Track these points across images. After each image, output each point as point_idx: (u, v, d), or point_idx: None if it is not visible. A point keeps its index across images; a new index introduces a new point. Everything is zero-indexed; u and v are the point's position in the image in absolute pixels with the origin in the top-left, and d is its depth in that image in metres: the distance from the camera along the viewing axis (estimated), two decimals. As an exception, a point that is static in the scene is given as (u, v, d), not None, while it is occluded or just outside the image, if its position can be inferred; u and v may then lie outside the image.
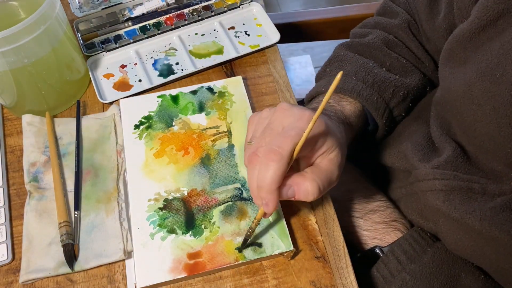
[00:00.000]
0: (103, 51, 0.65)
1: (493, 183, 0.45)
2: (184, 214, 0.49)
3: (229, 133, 0.55)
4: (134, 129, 0.56)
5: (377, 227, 0.56)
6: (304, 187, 0.41)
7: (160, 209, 0.50)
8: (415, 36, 0.60)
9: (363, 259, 0.55)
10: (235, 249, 0.47)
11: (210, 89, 0.59)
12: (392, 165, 0.57)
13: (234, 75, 0.63)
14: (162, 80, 0.62)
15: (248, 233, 0.46)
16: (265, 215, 0.44)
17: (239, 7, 0.70)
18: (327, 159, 0.43)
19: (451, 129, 0.50)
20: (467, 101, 0.44)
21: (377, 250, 0.53)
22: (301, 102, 0.87)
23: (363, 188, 0.60)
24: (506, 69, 0.40)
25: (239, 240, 0.47)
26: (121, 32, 0.67)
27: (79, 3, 0.64)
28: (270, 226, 0.48)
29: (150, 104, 0.58)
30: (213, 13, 0.69)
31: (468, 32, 0.44)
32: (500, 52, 0.41)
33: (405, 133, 0.58)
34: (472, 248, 0.47)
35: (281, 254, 0.47)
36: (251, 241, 0.47)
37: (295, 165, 0.44)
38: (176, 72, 0.63)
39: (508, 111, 0.40)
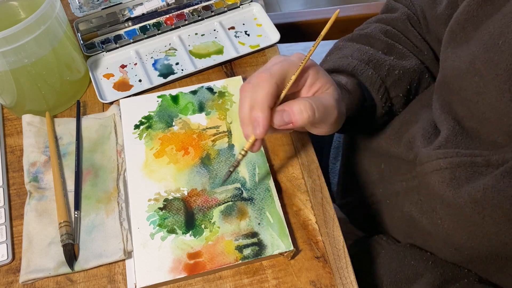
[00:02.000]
0: (103, 51, 0.65)
1: (495, 154, 0.45)
2: (184, 214, 0.49)
3: (229, 133, 0.55)
4: (134, 129, 0.56)
5: None
6: (297, 106, 0.42)
7: (160, 209, 0.50)
8: (414, 27, 0.61)
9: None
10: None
11: (210, 89, 0.59)
12: (399, 154, 0.56)
13: (234, 75, 0.63)
14: (162, 80, 0.62)
15: (234, 164, 0.47)
16: (253, 147, 0.45)
17: (239, 7, 0.70)
18: (323, 93, 0.45)
19: (451, 109, 0.50)
20: (470, 75, 0.45)
21: None
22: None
23: None
24: (508, 36, 0.41)
25: (240, 240, 0.47)
26: (121, 32, 0.67)
27: (79, 3, 0.64)
28: (270, 226, 0.48)
29: (150, 104, 0.58)
30: (213, 13, 0.69)
31: (467, 11, 0.46)
32: (502, 22, 0.42)
33: (413, 121, 0.58)
34: (470, 229, 0.46)
35: (281, 254, 0.47)
36: (252, 241, 0.47)
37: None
38: (176, 72, 0.63)
39: (510, 77, 0.41)
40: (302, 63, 0.43)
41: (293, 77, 0.43)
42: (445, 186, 0.47)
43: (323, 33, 0.41)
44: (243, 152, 0.46)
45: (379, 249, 0.58)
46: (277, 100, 0.44)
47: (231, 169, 0.47)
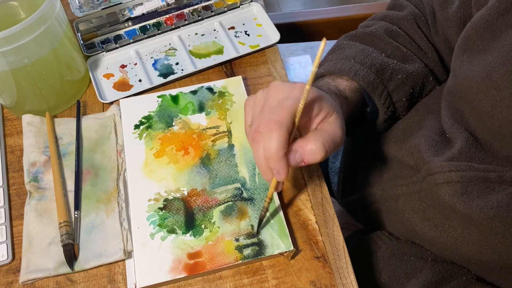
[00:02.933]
0: (103, 51, 0.65)
1: (509, 170, 0.44)
2: (184, 214, 0.49)
3: (229, 133, 0.55)
4: (134, 129, 0.56)
5: None
6: (309, 147, 0.42)
7: (160, 209, 0.50)
8: (420, 28, 0.60)
9: None
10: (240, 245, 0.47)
11: (210, 89, 0.59)
12: (401, 159, 0.56)
13: (234, 75, 0.63)
14: (162, 80, 0.62)
15: (262, 213, 0.47)
16: (277, 188, 0.46)
17: (239, 7, 0.70)
18: (328, 123, 0.44)
19: (463, 118, 0.50)
20: (486, 87, 0.44)
21: None
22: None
23: None
24: None
25: (240, 240, 0.47)
26: (121, 32, 0.67)
27: (79, 3, 0.64)
28: (270, 226, 0.48)
29: (150, 104, 0.58)
30: (213, 13, 0.69)
31: (486, 19, 0.44)
32: None
33: (417, 127, 0.57)
34: (480, 243, 0.46)
35: (281, 254, 0.47)
36: (252, 241, 0.47)
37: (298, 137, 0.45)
38: (176, 72, 0.63)
39: None
40: (301, 104, 0.41)
41: (297, 120, 0.42)
42: (456, 199, 0.46)
43: (314, 68, 0.40)
44: (268, 200, 0.47)
45: (379, 244, 0.58)
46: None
47: (261, 218, 0.48)
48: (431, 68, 0.60)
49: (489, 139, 0.47)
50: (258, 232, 0.48)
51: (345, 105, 0.52)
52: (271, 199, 0.47)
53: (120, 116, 0.57)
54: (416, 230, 0.54)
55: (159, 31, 0.67)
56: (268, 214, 0.49)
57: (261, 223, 0.48)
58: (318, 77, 0.58)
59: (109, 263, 0.48)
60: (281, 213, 0.49)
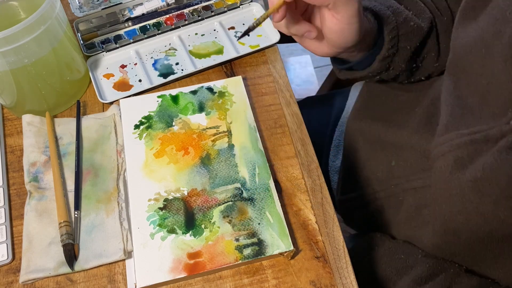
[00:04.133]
0: (103, 51, 0.65)
1: (493, 127, 0.44)
2: (184, 214, 0.49)
3: (229, 133, 0.55)
4: (134, 129, 0.56)
5: None
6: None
7: (160, 209, 0.50)
8: None
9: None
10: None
11: (210, 89, 0.59)
12: (423, 146, 0.56)
13: (234, 75, 0.63)
14: (162, 80, 0.62)
15: (254, 24, 0.50)
16: (276, 14, 0.48)
17: (239, 7, 0.70)
18: None
19: (456, 86, 0.51)
20: (477, 48, 0.46)
21: None
22: (301, 102, 0.87)
23: None
24: None
25: (240, 240, 0.47)
26: (121, 32, 0.67)
27: (79, 3, 0.64)
28: (270, 226, 0.48)
29: (150, 104, 0.58)
30: (213, 13, 0.69)
31: None
32: None
33: (435, 113, 0.57)
34: (468, 211, 0.46)
35: (281, 254, 0.47)
36: (252, 241, 0.47)
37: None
38: (176, 72, 0.63)
39: None
40: None
41: None
42: (450, 169, 0.46)
43: None
44: (265, 15, 0.50)
45: (373, 245, 0.58)
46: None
47: (250, 28, 0.50)
48: (439, 31, 0.61)
49: (477, 101, 0.47)
50: (239, 39, 0.52)
51: (367, 22, 0.54)
52: (266, 17, 0.50)
53: (120, 116, 0.57)
54: (422, 216, 0.54)
55: (159, 31, 0.67)
56: (267, 213, 0.49)
57: (248, 32, 0.51)
58: None
59: (109, 263, 0.48)
60: (281, 213, 0.49)
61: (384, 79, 0.63)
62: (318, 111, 0.84)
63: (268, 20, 0.68)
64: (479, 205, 0.44)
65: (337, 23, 0.49)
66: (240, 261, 0.46)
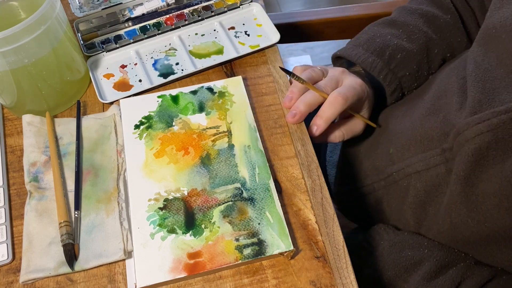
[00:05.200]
0: (103, 51, 0.65)
1: None
2: (184, 214, 0.49)
3: (229, 133, 0.55)
4: (134, 129, 0.56)
5: None
6: (336, 133, 0.63)
7: (160, 209, 0.50)
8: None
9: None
10: None
11: (210, 89, 0.59)
12: (425, 132, 0.55)
13: (234, 75, 0.63)
14: (162, 80, 0.62)
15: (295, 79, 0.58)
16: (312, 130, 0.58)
17: (239, 7, 0.70)
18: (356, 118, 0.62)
19: (485, 57, 0.50)
20: None
21: None
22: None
23: None
24: None
25: (240, 240, 0.47)
26: (121, 32, 0.67)
27: (79, 3, 0.64)
28: (270, 226, 0.48)
29: (150, 104, 0.58)
30: (213, 13, 0.69)
31: None
32: None
33: (446, 95, 0.57)
34: (503, 195, 0.45)
35: (281, 254, 0.47)
36: (252, 241, 0.47)
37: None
38: (176, 72, 0.63)
39: None
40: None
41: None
42: (492, 145, 0.45)
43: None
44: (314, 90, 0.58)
45: (378, 240, 0.58)
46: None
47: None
48: (445, 32, 0.64)
49: (506, 72, 0.46)
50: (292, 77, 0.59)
51: (366, 90, 0.61)
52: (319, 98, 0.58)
53: (120, 116, 0.57)
54: (424, 209, 0.54)
55: (159, 31, 0.67)
56: (267, 213, 0.49)
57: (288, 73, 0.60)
58: (334, 58, 0.69)
59: (109, 263, 0.48)
60: (281, 213, 0.49)
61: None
62: (316, 110, 0.85)
63: (268, 20, 0.68)
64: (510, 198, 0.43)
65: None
66: (240, 261, 0.46)
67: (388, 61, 0.62)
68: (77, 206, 0.50)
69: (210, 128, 0.56)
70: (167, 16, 0.69)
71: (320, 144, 0.81)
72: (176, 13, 0.69)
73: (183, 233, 0.48)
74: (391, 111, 0.65)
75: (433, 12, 0.64)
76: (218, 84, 0.60)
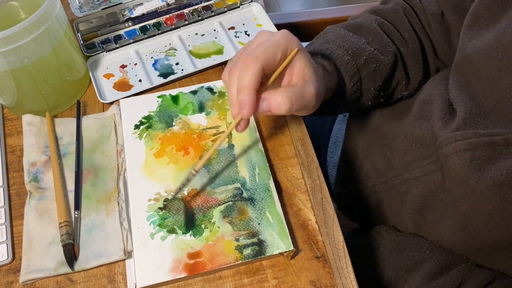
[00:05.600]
0: (103, 51, 0.65)
1: None
2: (184, 214, 0.49)
3: (229, 133, 0.55)
4: (134, 129, 0.56)
5: None
6: (274, 98, 0.46)
7: (160, 209, 0.50)
8: (408, 18, 0.61)
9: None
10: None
11: (210, 89, 0.59)
12: (421, 138, 0.56)
13: (234, 75, 0.63)
14: (162, 80, 0.62)
15: (192, 172, 0.49)
16: (238, 126, 0.48)
17: (239, 7, 0.70)
18: (302, 79, 0.48)
19: (470, 88, 0.50)
20: (493, 52, 0.46)
21: None
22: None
23: None
24: None
25: (240, 240, 0.47)
26: (121, 32, 0.67)
27: (79, 3, 0.64)
28: (270, 226, 0.48)
29: (150, 104, 0.58)
30: (213, 13, 0.69)
31: None
32: None
33: (430, 101, 0.58)
34: (489, 213, 0.46)
35: (281, 254, 0.47)
36: (252, 241, 0.47)
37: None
38: (176, 72, 0.63)
39: None
40: (284, 62, 0.47)
41: (277, 72, 0.47)
42: (466, 168, 0.46)
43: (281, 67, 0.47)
44: (194, 171, 0.49)
45: (379, 240, 0.58)
46: (265, 82, 0.47)
47: (189, 178, 0.49)
48: (405, 60, 0.61)
49: (494, 105, 0.47)
50: (173, 196, 0.50)
51: (328, 78, 0.54)
52: (197, 171, 0.49)
53: (120, 116, 0.57)
54: (428, 206, 0.54)
55: (159, 31, 0.67)
56: (267, 213, 0.49)
57: (183, 186, 0.49)
58: None
59: (109, 263, 0.48)
60: (281, 213, 0.49)
61: (357, 111, 0.64)
62: (312, 119, 0.85)
63: (268, 20, 0.68)
64: (502, 210, 0.44)
65: (298, 114, 0.53)
66: (240, 261, 0.46)
67: (362, 67, 0.57)
68: (77, 206, 0.50)
69: (210, 128, 0.56)
70: (167, 16, 0.69)
71: (320, 145, 0.81)
72: (176, 13, 0.69)
73: (183, 233, 0.48)
74: (380, 114, 0.65)
75: (398, 36, 0.61)
76: (218, 84, 0.60)
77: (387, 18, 0.62)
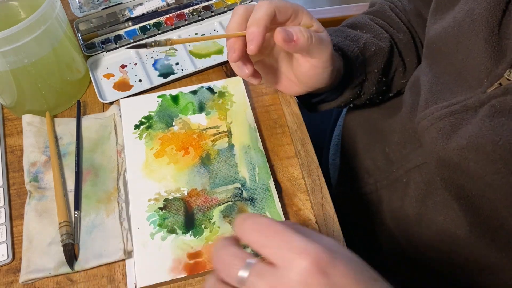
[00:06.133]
0: (103, 51, 0.65)
1: (470, 97, 0.46)
2: (184, 214, 0.49)
3: (229, 133, 0.55)
4: (134, 129, 0.56)
5: None
6: (297, 28, 0.46)
7: (160, 209, 0.50)
8: (394, 12, 0.64)
9: None
10: None
11: (210, 89, 0.59)
12: (399, 125, 0.57)
13: (234, 75, 0.63)
14: (162, 80, 0.62)
15: (156, 43, 0.44)
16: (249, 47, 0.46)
17: (239, 7, 0.70)
18: (317, 31, 0.49)
19: (432, 67, 0.52)
20: (451, 29, 0.48)
21: None
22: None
23: None
24: None
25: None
26: (121, 32, 0.67)
27: (79, 3, 0.64)
28: (270, 226, 0.48)
29: (150, 104, 0.58)
30: (213, 13, 0.69)
31: None
32: None
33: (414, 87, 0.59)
34: (458, 180, 0.47)
35: (281, 254, 0.47)
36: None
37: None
38: (176, 72, 0.63)
39: (486, 19, 0.43)
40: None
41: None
42: (435, 141, 0.48)
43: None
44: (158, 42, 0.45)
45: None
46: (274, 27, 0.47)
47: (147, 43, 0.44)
48: (400, 48, 0.62)
49: (453, 78, 0.49)
50: (131, 47, 0.44)
51: (337, 57, 0.54)
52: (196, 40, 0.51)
53: (120, 116, 0.57)
54: (424, 203, 0.54)
55: (159, 31, 0.67)
56: (268, 213, 0.49)
57: (140, 46, 0.45)
58: None
59: (109, 263, 0.48)
60: (281, 213, 0.49)
61: (357, 104, 0.64)
62: (316, 117, 0.85)
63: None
64: (467, 172, 0.45)
65: (312, 67, 0.50)
66: (240, 261, 0.46)
67: (363, 50, 0.58)
68: (77, 206, 0.50)
69: (210, 128, 0.56)
70: (167, 16, 0.69)
71: (322, 146, 0.81)
72: (176, 13, 0.69)
73: (183, 233, 0.48)
74: (376, 113, 0.66)
75: (389, 28, 0.64)
76: (218, 84, 0.60)
77: (377, 16, 0.64)
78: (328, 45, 0.49)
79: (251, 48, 0.45)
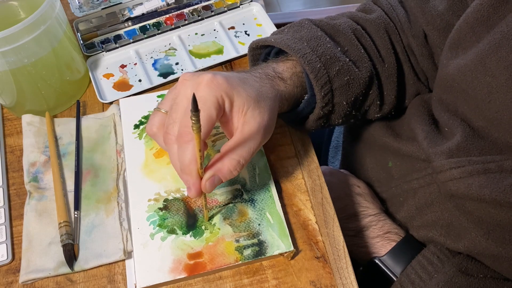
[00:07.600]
0: (103, 51, 0.65)
1: (508, 158, 0.45)
2: (184, 215, 0.49)
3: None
4: (134, 129, 0.56)
5: (372, 241, 0.57)
6: (225, 169, 0.42)
7: (160, 209, 0.49)
8: (388, 34, 0.57)
9: (366, 272, 0.57)
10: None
11: (210, 89, 0.59)
12: (411, 154, 0.56)
13: (234, 75, 0.63)
14: (162, 80, 0.62)
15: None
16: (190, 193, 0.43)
17: (239, 7, 0.70)
18: (244, 122, 0.42)
19: (458, 109, 0.50)
20: (480, 74, 0.45)
21: (376, 261, 0.56)
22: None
23: (353, 204, 0.60)
24: None
25: (240, 241, 0.47)
26: (121, 32, 0.67)
27: (79, 3, 0.64)
28: (270, 226, 0.48)
29: (150, 104, 0.58)
30: (213, 13, 0.69)
31: (476, 12, 0.45)
32: None
33: (408, 116, 0.58)
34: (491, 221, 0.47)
35: (281, 254, 0.47)
36: (252, 242, 0.47)
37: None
38: (176, 72, 0.63)
39: None
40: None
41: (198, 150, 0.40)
42: (460, 191, 0.48)
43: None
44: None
45: (431, 271, 0.55)
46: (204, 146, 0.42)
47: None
48: (382, 80, 0.56)
49: (486, 126, 0.47)
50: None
51: (282, 85, 0.49)
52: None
53: (120, 116, 0.57)
54: (418, 223, 0.55)
55: (159, 31, 0.67)
56: (268, 214, 0.49)
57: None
58: (266, 46, 0.55)
59: (109, 263, 0.48)
60: (281, 214, 0.49)
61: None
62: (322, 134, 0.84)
63: (268, 20, 0.68)
64: (500, 222, 0.46)
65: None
66: (240, 262, 0.46)
67: (334, 77, 0.51)
68: (77, 206, 0.50)
69: (210, 128, 0.56)
70: (167, 16, 0.69)
71: (321, 149, 0.81)
72: (176, 12, 0.69)
73: (183, 234, 0.48)
74: (374, 128, 0.63)
75: (375, 53, 0.56)
76: (218, 84, 0.60)
77: (368, 29, 0.57)
78: (258, 137, 0.43)
79: (193, 194, 0.42)
